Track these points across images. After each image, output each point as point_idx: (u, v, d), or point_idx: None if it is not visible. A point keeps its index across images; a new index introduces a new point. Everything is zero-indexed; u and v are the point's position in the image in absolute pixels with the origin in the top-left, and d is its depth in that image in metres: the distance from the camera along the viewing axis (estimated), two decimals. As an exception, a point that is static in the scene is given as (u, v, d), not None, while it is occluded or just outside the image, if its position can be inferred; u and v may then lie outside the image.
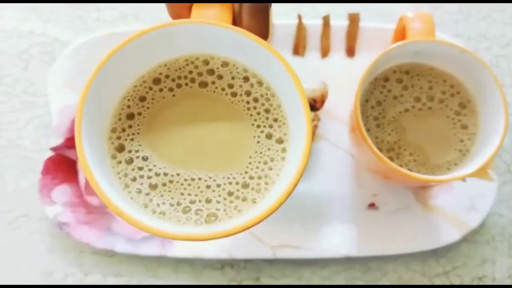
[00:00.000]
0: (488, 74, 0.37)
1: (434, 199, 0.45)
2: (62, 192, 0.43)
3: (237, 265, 0.44)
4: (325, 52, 0.48)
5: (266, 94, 0.26)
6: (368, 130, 0.40)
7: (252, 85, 0.26)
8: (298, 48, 0.48)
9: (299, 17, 0.48)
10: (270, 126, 0.26)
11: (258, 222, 0.22)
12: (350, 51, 0.48)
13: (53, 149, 0.44)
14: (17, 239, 0.44)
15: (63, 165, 0.44)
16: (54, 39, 0.50)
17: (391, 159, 0.39)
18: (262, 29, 0.25)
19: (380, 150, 0.38)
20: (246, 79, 0.26)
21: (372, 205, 0.45)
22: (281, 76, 0.24)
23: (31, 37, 0.50)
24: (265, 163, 0.25)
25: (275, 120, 0.26)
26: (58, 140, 0.44)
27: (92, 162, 0.22)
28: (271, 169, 0.25)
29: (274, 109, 0.26)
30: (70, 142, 0.44)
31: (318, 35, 0.48)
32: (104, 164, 0.24)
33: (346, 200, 0.45)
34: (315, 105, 0.43)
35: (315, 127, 0.42)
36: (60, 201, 0.43)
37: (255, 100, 0.26)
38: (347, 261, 0.44)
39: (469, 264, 0.45)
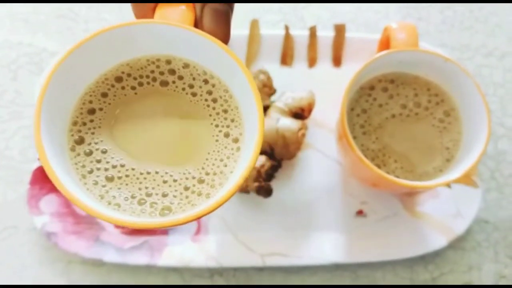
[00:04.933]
0: (471, 83, 0.38)
1: (421, 206, 0.46)
2: (50, 202, 0.43)
3: (226, 274, 0.44)
4: (312, 62, 0.49)
5: (225, 95, 0.27)
6: (354, 137, 0.40)
7: (213, 86, 0.27)
8: (286, 58, 0.49)
9: (286, 28, 0.49)
10: (228, 126, 0.27)
11: (208, 213, 0.23)
12: (337, 61, 0.49)
13: (41, 159, 0.44)
14: (5, 250, 0.44)
15: (51, 175, 0.44)
16: (43, 50, 0.50)
17: (378, 166, 0.39)
18: (223, 33, 0.26)
19: (366, 157, 0.39)
20: (206, 81, 0.27)
21: (360, 213, 0.45)
22: (238, 79, 0.25)
23: (20, 47, 0.50)
24: (221, 160, 0.26)
25: (232, 120, 0.27)
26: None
27: (50, 150, 0.22)
28: (226, 166, 0.26)
29: (232, 110, 0.27)
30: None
31: (305, 45, 0.49)
32: (62, 154, 0.24)
33: (334, 208, 0.45)
34: (302, 114, 0.44)
35: (302, 136, 0.42)
36: (48, 211, 0.43)
37: (214, 100, 0.27)
38: (336, 268, 0.45)
39: (456, 271, 0.45)
